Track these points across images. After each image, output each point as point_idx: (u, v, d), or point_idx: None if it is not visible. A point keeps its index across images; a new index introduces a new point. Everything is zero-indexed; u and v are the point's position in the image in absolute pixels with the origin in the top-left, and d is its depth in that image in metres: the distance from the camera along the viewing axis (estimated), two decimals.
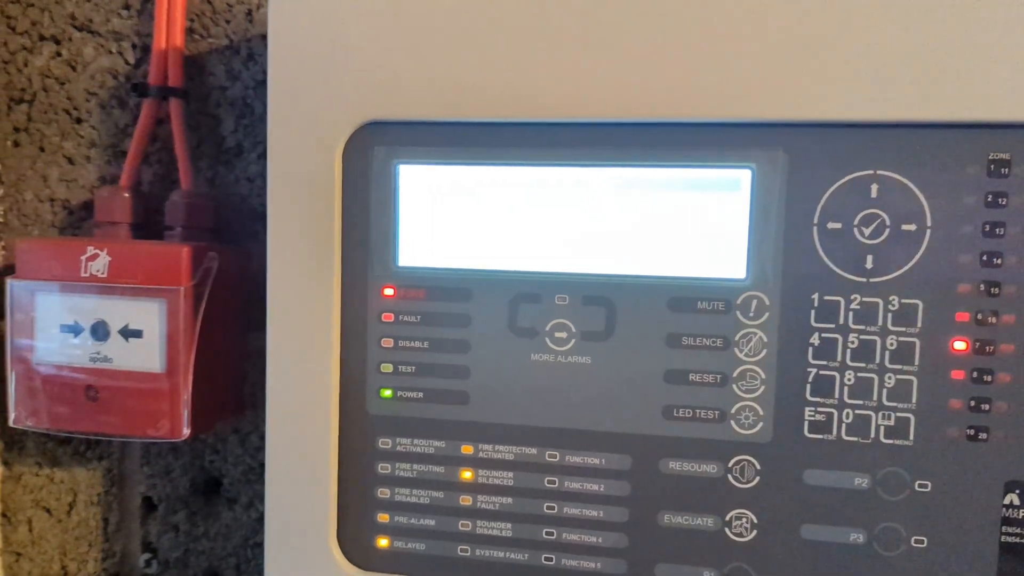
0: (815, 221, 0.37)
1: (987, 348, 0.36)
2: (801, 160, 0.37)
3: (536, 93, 0.39)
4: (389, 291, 0.41)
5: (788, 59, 0.36)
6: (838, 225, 0.37)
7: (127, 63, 0.55)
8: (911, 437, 0.37)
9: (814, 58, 0.36)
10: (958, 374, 0.36)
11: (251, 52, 0.53)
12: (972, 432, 0.36)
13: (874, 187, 0.37)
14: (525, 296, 0.40)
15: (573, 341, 0.40)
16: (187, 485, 0.57)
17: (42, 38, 0.56)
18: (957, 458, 0.36)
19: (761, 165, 0.37)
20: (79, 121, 0.56)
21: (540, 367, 0.40)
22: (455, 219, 0.41)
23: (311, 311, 0.41)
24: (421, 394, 0.41)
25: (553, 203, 0.40)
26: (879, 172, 0.36)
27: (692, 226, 0.38)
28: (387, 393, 0.42)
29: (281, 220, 0.41)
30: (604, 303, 0.39)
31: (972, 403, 0.36)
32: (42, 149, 0.57)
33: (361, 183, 0.41)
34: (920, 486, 0.37)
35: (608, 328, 0.39)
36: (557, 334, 0.40)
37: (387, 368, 0.42)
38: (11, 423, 0.50)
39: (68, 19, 0.56)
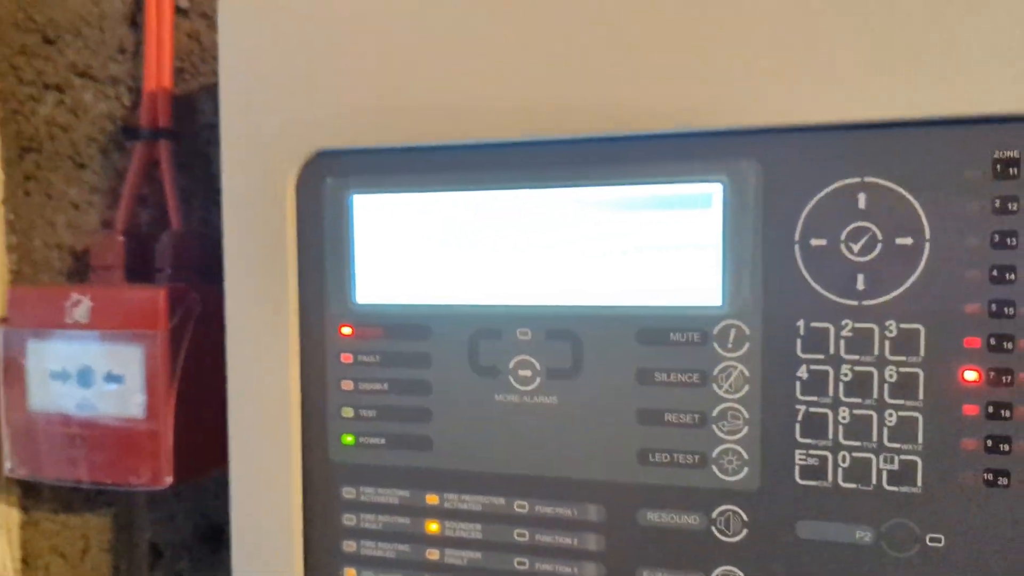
0: (796, 238, 0.33)
1: (1003, 378, 0.31)
2: (777, 170, 0.33)
3: (490, 112, 0.36)
4: (347, 330, 0.39)
5: (756, 58, 0.32)
6: (823, 241, 0.32)
7: (124, 107, 0.55)
8: (919, 483, 0.32)
9: (785, 55, 0.32)
10: (971, 409, 0.31)
11: None
12: (990, 476, 0.31)
13: (862, 197, 0.32)
14: (485, 331, 0.37)
15: (538, 380, 0.36)
16: (190, 531, 0.55)
17: (46, 87, 0.57)
18: (974, 507, 0.31)
19: (733, 178, 0.33)
20: (82, 167, 0.57)
21: (505, 408, 0.37)
22: (412, 251, 0.38)
23: (269, 352, 0.39)
24: (383, 439, 0.38)
25: (512, 230, 0.36)
26: (866, 179, 0.32)
27: (660, 249, 0.34)
28: (349, 439, 0.39)
29: (236, 257, 0.40)
30: (569, 337, 0.36)
31: (989, 443, 0.31)
32: (49, 196, 0.57)
33: (315, 216, 0.39)
34: (932, 540, 0.32)
35: (575, 365, 0.36)
36: (521, 372, 0.36)
37: (348, 412, 0.39)
38: (7, 473, 0.50)
39: (69, 67, 0.56)
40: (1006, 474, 0.31)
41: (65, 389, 0.48)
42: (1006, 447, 0.31)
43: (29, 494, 0.59)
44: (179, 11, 0.53)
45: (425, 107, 0.37)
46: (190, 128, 0.53)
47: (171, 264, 0.51)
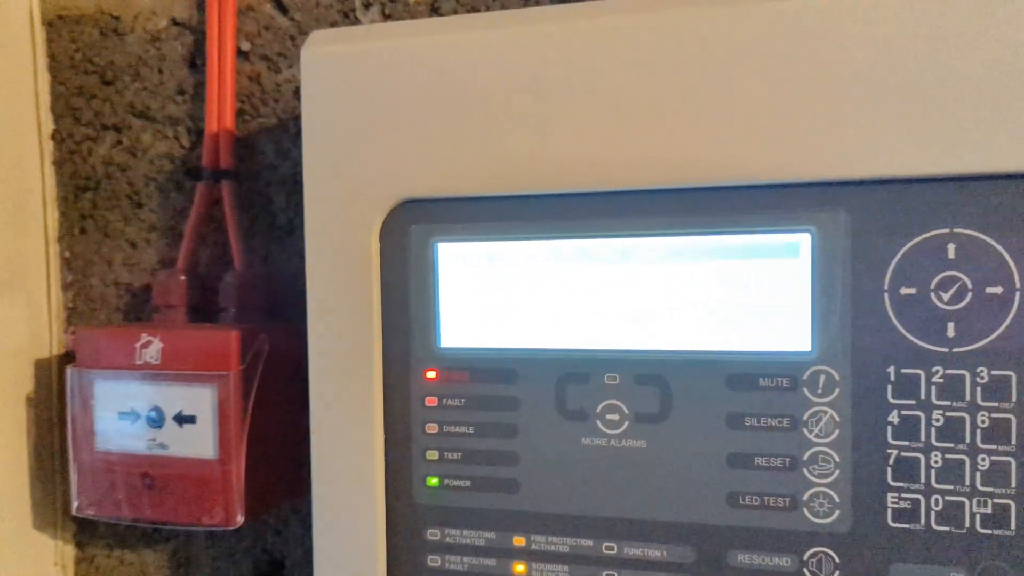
0: (886, 287, 0.34)
1: None
2: (865, 221, 0.34)
3: (576, 162, 0.37)
4: (432, 374, 0.39)
5: (845, 112, 0.33)
6: (912, 290, 0.33)
7: (182, 147, 0.56)
8: (1012, 526, 0.32)
9: (875, 109, 0.33)
10: None
11: (299, 129, 0.53)
12: None
13: (951, 247, 0.33)
14: (573, 376, 0.37)
15: (626, 424, 0.37)
16: (251, 567, 0.56)
17: (104, 127, 0.58)
18: None
19: (821, 228, 0.34)
20: (140, 206, 0.57)
21: (592, 452, 0.37)
22: (497, 297, 0.39)
23: (353, 395, 0.40)
24: (469, 482, 0.39)
25: (599, 277, 0.37)
26: (955, 231, 0.33)
27: (750, 297, 0.35)
28: (434, 481, 0.40)
29: (320, 303, 0.40)
30: (658, 382, 0.36)
31: None
32: (106, 235, 0.58)
33: (399, 263, 0.39)
34: None
35: (663, 409, 0.36)
36: (609, 416, 0.37)
37: (432, 455, 0.40)
38: (74, 512, 0.50)
39: (128, 108, 0.57)
40: None
41: (134, 429, 0.48)
42: None
43: (85, 530, 0.59)
44: (240, 53, 0.54)
45: (509, 158, 0.38)
46: (250, 169, 0.54)
47: (235, 304, 0.52)
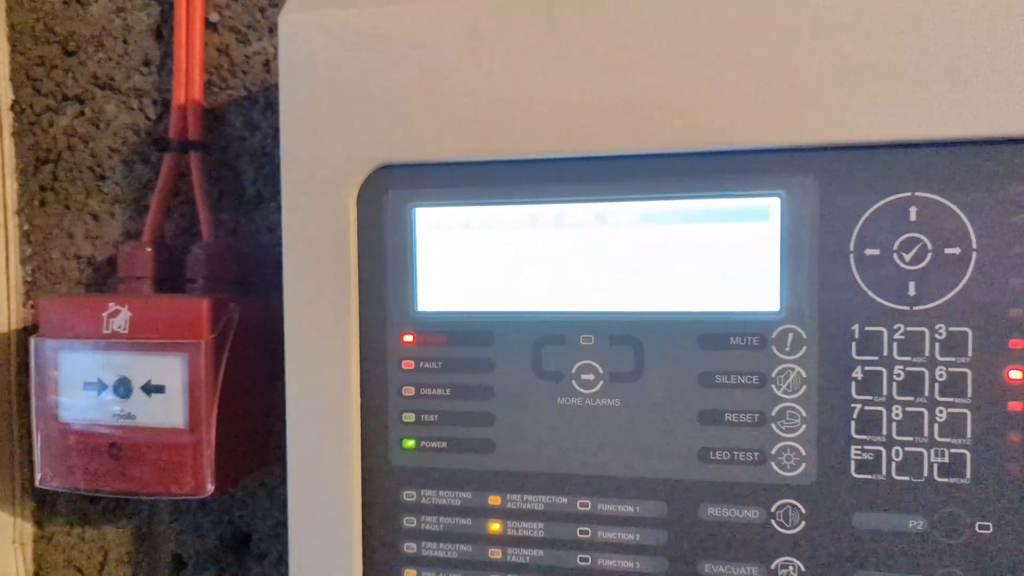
0: (851, 248, 0.35)
1: None
2: (832, 185, 0.35)
3: (551, 127, 0.37)
4: (408, 338, 0.40)
5: (814, 79, 0.35)
6: (876, 251, 0.35)
7: (148, 119, 0.56)
8: (968, 475, 0.34)
9: (841, 77, 0.34)
10: (1016, 406, 0.34)
11: (269, 102, 0.53)
12: None
13: (912, 210, 0.34)
14: (549, 338, 0.38)
15: (601, 383, 0.38)
16: (216, 541, 0.55)
17: (66, 98, 0.57)
18: (1019, 496, 0.34)
19: (790, 192, 0.36)
20: (103, 178, 0.57)
21: (567, 411, 0.38)
22: (473, 261, 0.39)
23: (329, 361, 0.40)
24: (445, 443, 0.40)
25: (574, 240, 0.38)
26: (917, 194, 0.34)
27: (721, 258, 0.37)
28: (410, 443, 0.40)
29: (297, 269, 0.41)
30: (632, 342, 0.37)
31: None
32: (67, 207, 0.57)
33: (376, 228, 0.40)
34: (981, 527, 0.34)
35: (637, 368, 0.37)
36: (584, 376, 0.38)
37: (409, 417, 0.40)
38: (37, 483, 0.49)
39: (91, 78, 0.56)
40: None
41: (101, 399, 0.48)
42: None
43: (44, 507, 0.58)
44: (208, 24, 0.54)
45: (486, 122, 0.38)
46: (219, 141, 0.54)
47: (204, 275, 0.51)
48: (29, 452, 0.57)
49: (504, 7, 0.38)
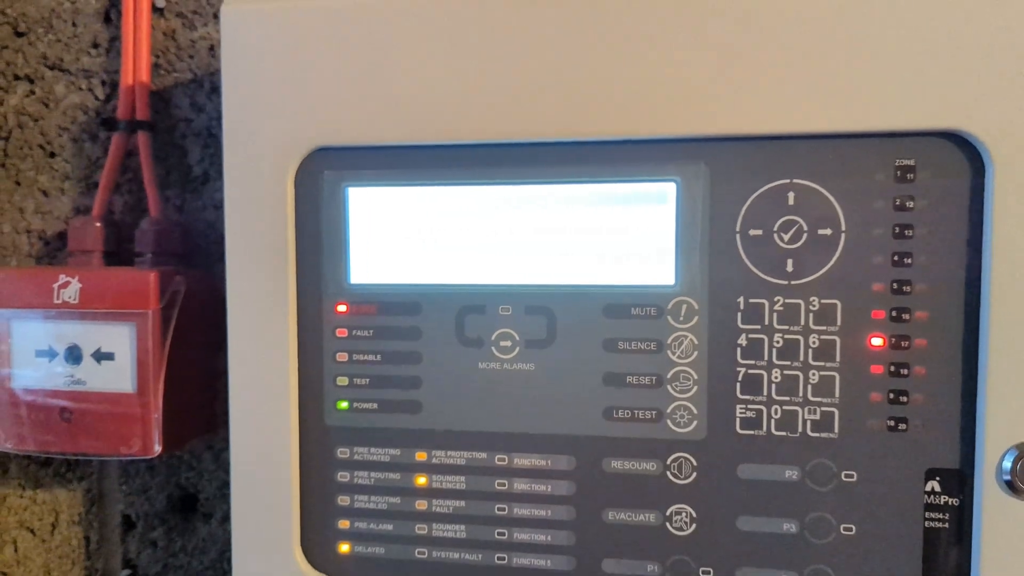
0: (738, 229, 0.39)
1: (902, 343, 0.38)
2: (722, 172, 0.39)
3: (472, 116, 0.41)
4: (342, 307, 0.43)
5: (706, 77, 0.39)
6: (759, 232, 0.39)
7: (97, 99, 0.58)
8: (836, 430, 0.39)
9: (730, 75, 0.38)
10: (877, 369, 0.38)
11: (215, 85, 0.56)
12: (892, 423, 0.38)
13: (791, 195, 0.39)
14: (471, 308, 0.42)
15: (518, 349, 0.42)
16: (164, 502, 0.58)
17: (16, 77, 0.59)
18: (879, 448, 0.38)
19: (685, 178, 0.40)
20: (53, 155, 0.59)
21: (487, 375, 0.42)
22: (403, 237, 0.43)
23: (269, 329, 0.43)
24: (376, 404, 0.43)
25: (494, 219, 0.42)
26: (795, 181, 0.39)
27: (624, 237, 0.41)
28: (343, 405, 0.44)
29: (238, 244, 0.44)
30: (545, 312, 0.41)
31: (891, 396, 0.38)
32: (18, 183, 0.59)
33: (313, 206, 0.43)
34: (846, 476, 0.39)
35: (549, 336, 0.41)
36: (502, 343, 0.42)
37: (343, 381, 0.44)
38: None
39: (40, 59, 0.58)
40: (905, 421, 0.38)
41: (52, 366, 0.51)
42: (904, 399, 0.38)
43: None
44: (155, 9, 0.56)
45: (415, 109, 0.42)
46: (166, 122, 0.57)
47: (152, 249, 0.54)
48: None
49: (427, 4, 0.41)
